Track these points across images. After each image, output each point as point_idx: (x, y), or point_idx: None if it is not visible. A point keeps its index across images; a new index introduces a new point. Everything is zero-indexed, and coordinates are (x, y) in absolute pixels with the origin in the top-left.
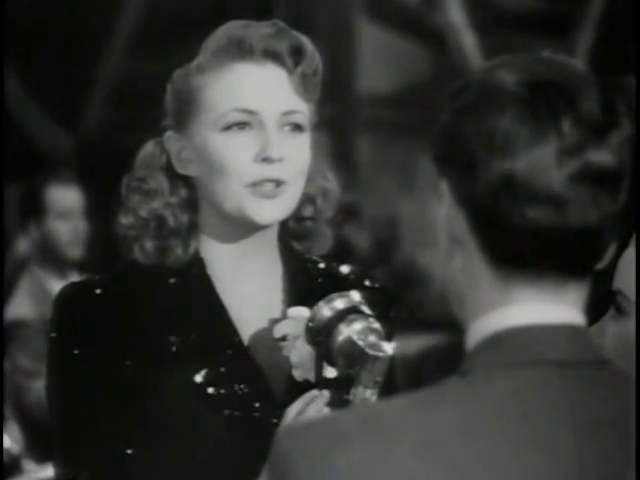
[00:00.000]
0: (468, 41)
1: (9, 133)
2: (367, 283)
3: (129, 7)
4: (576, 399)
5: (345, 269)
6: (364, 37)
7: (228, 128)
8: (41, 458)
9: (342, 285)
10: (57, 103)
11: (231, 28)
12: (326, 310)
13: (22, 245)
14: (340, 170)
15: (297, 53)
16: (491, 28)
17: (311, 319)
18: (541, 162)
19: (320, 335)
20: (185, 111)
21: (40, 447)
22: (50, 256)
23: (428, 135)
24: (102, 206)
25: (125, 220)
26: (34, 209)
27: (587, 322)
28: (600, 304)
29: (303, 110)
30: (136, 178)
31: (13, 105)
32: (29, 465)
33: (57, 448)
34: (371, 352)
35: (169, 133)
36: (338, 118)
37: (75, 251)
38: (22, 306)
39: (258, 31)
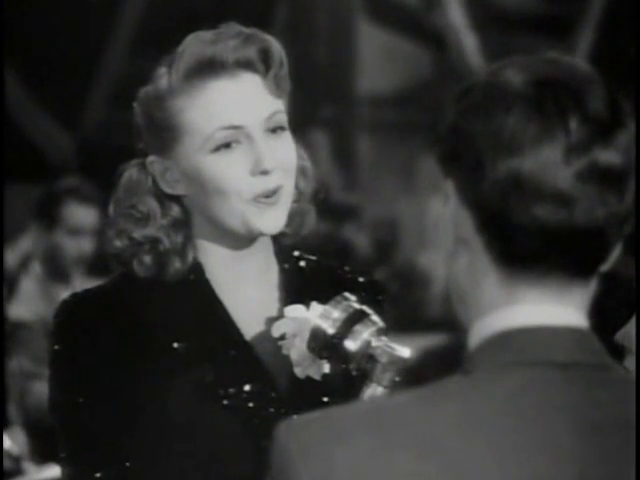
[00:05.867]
0: (468, 41)
1: (9, 133)
2: (361, 279)
3: (129, 7)
4: (578, 401)
5: (333, 264)
6: (364, 37)
7: (217, 149)
8: (41, 459)
9: (336, 281)
10: (57, 103)
11: (198, 46)
12: (329, 324)
13: (25, 244)
14: (341, 170)
15: (266, 55)
16: (491, 28)
17: (314, 335)
18: (548, 160)
19: (329, 345)
20: (166, 137)
21: (40, 448)
22: (54, 265)
23: (429, 135)
24: (102, 203)
25: (119, 243)
26: (47, 218)
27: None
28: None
29: (281, 108)
30: (126, 205)
31: (13, 105)
32: (29, 466)
33: (65, 462)
34: (391, 352)
35: (151, 158)
36: (338, 118)
37: (79, 268)
38: (22, 307)
39: (226, 44)
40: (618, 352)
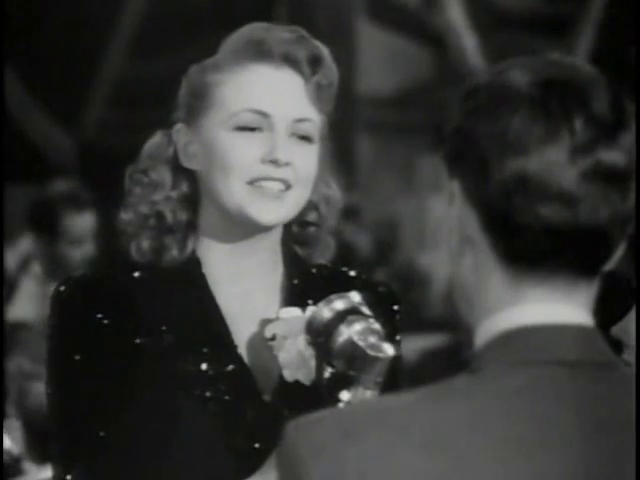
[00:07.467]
0: (468, 41)
1: (9, 133)
2: (380, 289)
3: (130, 7)
4: (584, 399)
5: (350, 273)
6: (364, 37)
7: (238, 129)
8: (41, 459)
9: (345, 288)
10: (57, 103)
11: (252, 30)
12: (326, 311)
13: (24, 245)
14: (340, 171)
15: (315, 62)
16: (491, 28)
17: (311, 321)
18: (553, 160)
19: (320, 336)
20: (197, 106)
21: (40, 448)
22: (55, 269)
23: (429, 135)
24: (103, 204)
25: (125, 216)
26: (47, 229)
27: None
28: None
29: (315, 119)
30: (139, 170)
31: (13, 105)
32: (29, 466)
33: (55, 444)
34: (372, 353)
35: (178, 126)
36: (338, 118)
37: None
38: (22, 308)
39: (279, 35)
40: (615, 347)
